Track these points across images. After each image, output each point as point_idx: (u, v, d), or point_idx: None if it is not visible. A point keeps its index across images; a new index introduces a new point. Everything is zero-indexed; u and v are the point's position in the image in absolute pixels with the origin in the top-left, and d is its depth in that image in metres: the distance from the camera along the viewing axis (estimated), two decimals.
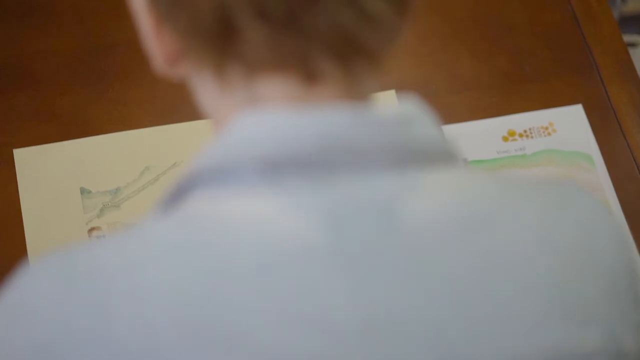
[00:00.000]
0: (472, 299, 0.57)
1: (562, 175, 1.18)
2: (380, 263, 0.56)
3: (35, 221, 1.10)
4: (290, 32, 0.56)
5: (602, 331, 0.60)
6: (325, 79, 0.58)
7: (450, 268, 0.57)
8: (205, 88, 0.62)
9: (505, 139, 1.20)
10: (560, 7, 1.30)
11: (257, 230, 0.56)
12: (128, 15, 0.68)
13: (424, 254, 0.57)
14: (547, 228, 0.60)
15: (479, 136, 1.20)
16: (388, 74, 1.22)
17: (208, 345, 0.54)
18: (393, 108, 0.59)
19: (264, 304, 0.54)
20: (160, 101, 1.16)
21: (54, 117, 1.18)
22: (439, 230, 0.57)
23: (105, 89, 1.18)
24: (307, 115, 0.57)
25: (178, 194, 0.60)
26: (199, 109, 0.65)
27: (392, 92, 1.22)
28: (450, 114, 1.21)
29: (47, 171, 1.14)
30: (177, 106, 1.16)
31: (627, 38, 1.69)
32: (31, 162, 1.14)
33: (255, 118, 0.58)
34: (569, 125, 1.22)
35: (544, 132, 1.21)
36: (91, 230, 1.10)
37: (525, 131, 1.21)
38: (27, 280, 0.58)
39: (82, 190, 1.13)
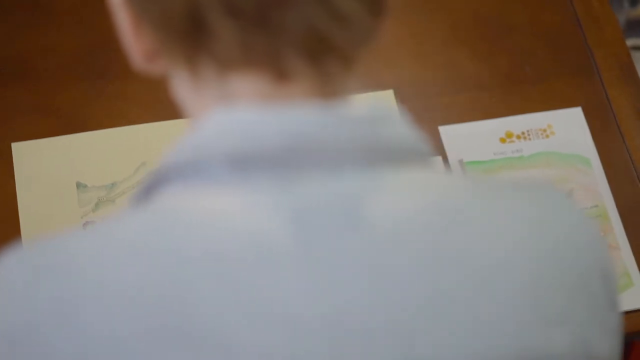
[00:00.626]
0: (436, 299, 0.57)
1: (559, 178, 1.17)
2: (345, 261, 0.56)
3: (31, 214, 1.11)
4: (260, 30, 0.57)
5: (571, 334, 0.60)
6: (296, 77, 0.58)
7: (415, 267, 0.57)
8: (181, 84, 0.63)
9: (502, 140, 1.20)
10: (562, 8, 1.30)
11: (222, 227, 0.56)
12: None
13: (389, 253, 0.57)
14: (518, 230, 0.60)
15: (476, 137, 1.20)
16: (386, 74, 1.23)
17: (172, 339, 0.54)
18: (364, 107, 0.59)
19: (227, 299, 0.55)
20: (157, 98, 1.16)
21: (53, 112, 1.18)
22: (404, 230, 0.57)
23: (103, 85, 1.19)
24: (276, 112, 0.58)
25: (150, 189, 0.61)
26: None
27: (390, 92, 1.22)
28: (449, 115, 1.21)
29: (44, 165, 1.15)
30: (173, 103, 1.16)
31: (634, 42, 1.68)
32: (29, 155, 1.15)
33: (224, 115, 0.59)
34: (567, 128, 1.21)
35: (542, 134, 1.21)
36: (86, 224, 1.11)
37: (523, 133, 1.21)
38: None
39: (78, 185, 1.13)
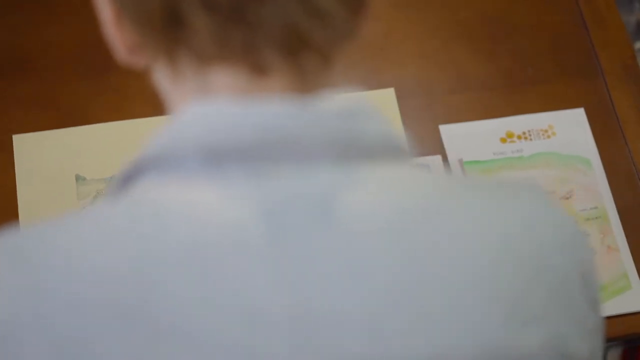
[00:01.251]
0: (407, 295, 0.56)
1: (558, 178, 1.17)
2: (315, 256, 0.56)
3: (30, 206, 1.12)
4: (237, 24, 0.57)
5: (543, 333, 0.59)
6: (273, 72, 0.59)
7: (385, 263, 0.57)
8: (162, 77, 0.63)
9: (503, 140, 1.20)
10: (568, 9, 1.29)
11: (193, 219, 0.57)
12: None
13: (360, 248, 0.57)
14: (492, 228, 0.60)
15: (476, 137, 1.19)
16: (388, 72, 1.22)
17: (137, 332, 0.54)
18: (339, 102, 0.59)
19: (195, 291, 0.55)
20: (157, 92, 1.16)
21: (54, 105, 1.19)
22: (376, 225, 0.57)
23: (104, 79, 1.20)
24: (251, 106, 0.58)
25: (127, 180, 0.61)
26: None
27: (391, 90, 1.22)
28: (449, 114, 1.21)
29: (45, 157, 1.15)
30: None
31: None
32: (29, 148, 1.16)
33: (200, 108, 0.59)
34: (569, 129, 1.21)
35: (543, 134, 1.20)
36: None
37: (524, 133, 1.20)
38: None
39: (78, 177, 1.14)
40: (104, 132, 1.17)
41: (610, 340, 1.11)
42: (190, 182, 0.58)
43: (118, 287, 0.55)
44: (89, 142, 1.16)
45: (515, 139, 1.20)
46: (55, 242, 0.58)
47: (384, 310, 0.56)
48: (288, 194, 0.57)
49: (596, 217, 1.15)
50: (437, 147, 1.18)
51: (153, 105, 1.18)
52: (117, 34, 0.63)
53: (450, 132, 1.19)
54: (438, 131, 1.19)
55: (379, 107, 0.62)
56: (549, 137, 1.20)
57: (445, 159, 1.17)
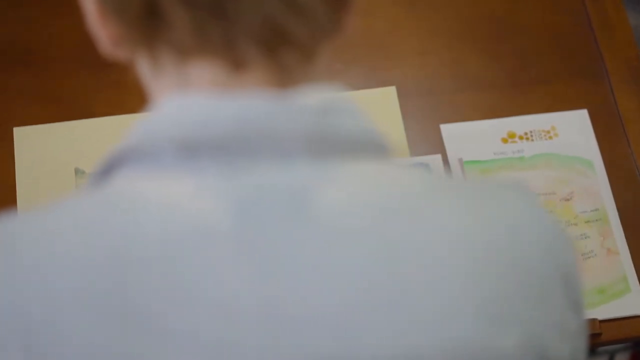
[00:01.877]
0: (379, 293, 0.56)
1: (559, 179, 1.16)
2: (287, 251, 0.56)
3: (29, 198, 1.12)
4: (216, 19, 0.57)
5: (520, 333, 0.58)
6: (251, 66, 0.58)
7: (358, 261, 0.56)
8: (144, 71, 0.63)
9: (504, 140, 1.19)
10: (574, 9, 1.28)
11: (167, 212, 0.57)
12: None
13: (333, 245, 0.56)
14: (470, 228, 0.59)
15: (477, 136, 1.19)
16: (390, 70, 1.22)
17: (108, 321, 0.55)
18: (317, 98, 0.59)
19: (165, 283, 0.55)
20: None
21: (55, 98, 1.20)
22: (350, 223, 0.57)
23: (106, 73, 1.20)
24: (227, 100, 0.58)
25: (105, 172, 0.61)
26: None
27: (393, 88, 1.21)
28: (451, 113, 1.20)
29: (45, 150, 1.16)
30: None
31: None
32: (30, 140, 1.16)
33: (176, 101, 0.59)
34: (571, 130, 1.20)
35: (545, 135, 1.19)
36: None
37: (525, 133, 1.19)
38: None
39: (77, 171, 1.14)
40: (105, 126, 1.17)
41: (609, 344, 1.10)
42: (165, 174, 0.58)
43: (91, 278, 0.55)
44: (89, 136, 1.16)
45: (516, 139, 1.19)
46: (30, 232, 0.58)
47: (355, 307, 0.56)
48: (261, 188, 0.57)
49: (596, 220, 1.14)
50: (438, 147, 1.18)
51: None
52: (100, 26, 0.63)
53: (452, 132, 1.19)
54: (439, 130, 1.19)
55: (357, 103, 0.61)
56: (551, 138, 1.19)
57: (445, 158, 1.17)
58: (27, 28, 1.24)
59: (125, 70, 1.18)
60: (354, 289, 0.56)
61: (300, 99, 0.59)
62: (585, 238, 1.13)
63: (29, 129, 1.17)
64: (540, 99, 1.22)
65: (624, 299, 1.10)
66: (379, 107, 1.20)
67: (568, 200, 1.15)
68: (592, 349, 1.45)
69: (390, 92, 1.21)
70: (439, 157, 1.17)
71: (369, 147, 0.60)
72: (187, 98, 0.59)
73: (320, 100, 0.59)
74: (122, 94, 1.18)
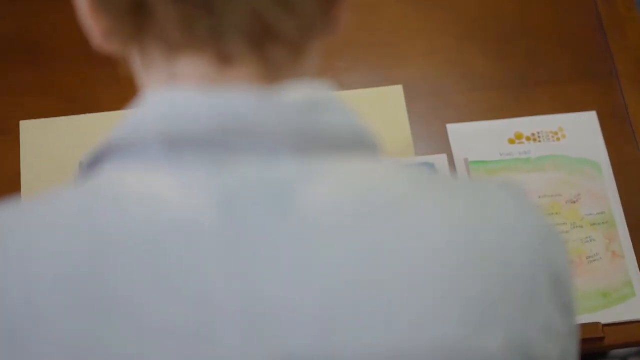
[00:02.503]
0: (361, 290, 0.56)
1: (566, 182, 1.15)
2: (269, 247, 0.56)
3: (33, 191, 1.13)
4: (203, 13, 0.57)
5: (504, 334, 0.58)
6: (239, 62, 0.58)
7: (341, 257, 0.56)
8: (135, 65, 0.63)
9: (511, 141, 1.18)
10: (586, 11, 1.27)
11: (150, 205, 0.57)
12: None
13: (316, 241, 0.56)
14: (456, 226, 0.59)
15: (484, 137, 1.18)
16: (397, 69, 1.21)
17: (87, 309, 0.55)
18: (304, 94, 0.59)
19: (146, 275, 0.55)
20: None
21: (62, 93, 1.20)
22: (334, 219, 0.57)
23: (113, 68, 1.20)
24: (213, 95, 0.58)
25: (92, 165, 0.61)
26: None
27: (400, 87, 1.21)
28: (458, 113, 1.20)
29: (50, 144, 1.16)
30: None
31: None
32: (35, 134, 1.17)
33: (164, 95, 0.59)
34: (579, 132, 1.19)
35: (553, 137, 1.18)
36: None
37: (533, 135, 1.18)
38: None
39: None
40: (110, 120, 1.17)
41: (612, 348, 1.09)
42: (150, 168, 0.58)
43: (73, 267, 0.56)
44: (95, 130, 1.17)
45: (524, 140, 1.18)
46: (16, 223, 0.58)
47: (336, 304, 0.55)
48: (245, 183, 0.57)
49: (603, 223, 1.13)
50: (444, 146, 1.17)
51: None
52: (92, 21, 0.63)
53: (458, 132, 1.18)
54: (445, 130, 1.18)
55: (341, 99, 0.61)
56: (558, 139, 1.18)
57: (451, 158, 1.16)
58: (34, 22, 1.24)
59: (131, 65, 1.19)
60: (335, 286, 0.56)
61: (286, 95, 0.58)
62: (591, 241, 1.12)
63: (34, 122, 1.18)
64: (549, 100, 1.21)
65: (628, 303, 1.09)
66: (385, 105, 1.19)
67: (574, 202, 1.14)
68: (598, 353, 1.44)
69: (397, 91, 1.20)
70: (444, 157, 1.16)
71: (356, 144, 0.59)
72: (173, 92, 0.59)
73: (307, 97, 0.59)
74: (128, 89, 1.18)
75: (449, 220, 0.59)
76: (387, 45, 1.23)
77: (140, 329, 0.54)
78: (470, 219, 0.60)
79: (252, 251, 0.56)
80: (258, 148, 0.57)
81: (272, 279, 0.55)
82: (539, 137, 1.18)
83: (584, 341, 1.05)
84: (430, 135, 1.18)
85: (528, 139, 1.18)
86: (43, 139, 1.16)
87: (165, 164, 0.57)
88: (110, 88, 1.20)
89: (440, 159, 1.16)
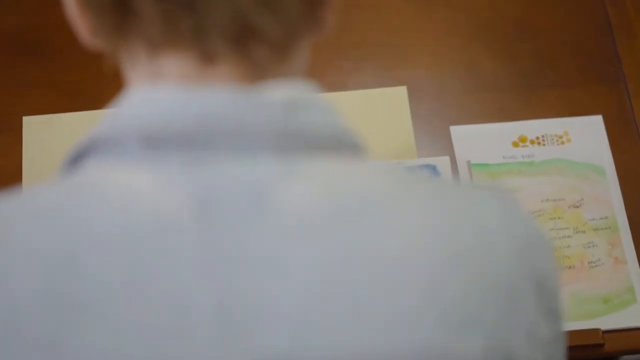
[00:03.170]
0: (337, 292, 0.55)
1: (569, 186, 1.14)
2: (245, 247, 0.55)
3: None
4: (185, 11, 0.57)
5: (484, 339, 0.57)
6: (221, 61, 0.58)
7: (317, 258, 0.55)
8: (121, 62, 0.63)
9: (515, 144, 1.17)
10: (594, 12, 1.26)
11: (127, 203, 0.57)
12: None
13: (293, 241, 0.56)
14: (438, 229, 0.58)
15: (487, 139, 1.17)
16: (401, 70, 1.21)
17: (64, 307, 0.55)
18: (285, 93, 0.58)
19: (122, 274, 0.55)
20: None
21: (66, 88, 1.20)
22: (312, 219, 0.56)
23: (118, 65, 1.20)
24: (193, 93, 0.58)
25: (75, 160, 0.61)
26: None
27: (404, 88, 1.20)
28: (462, 115, 1.19)
29: (52, 140, 1.16)
30: None
31: None
32: (38, 130, 1.17)
33: (145, 93, 0.59)
34: (585, 136, 1.17)
35: (557, 140, 1.17)
36: None
37: (537, 138, 1.17)
38: None
39: None
40: None
41: (612, 355, 1.08)
42: (129, 166, 0.58)
43: (46, 264, 0.56)
44: None
45: (528, 143, 1.17)
46: None
47: (312, 304, 0.55)
48: (223, 182, 0.56)
49: (606, 228, 1.12)
50: (447, 148, 1.16)
51: None
52: (79, 18, 0.63)
53: (461, 134, 1.17)
54: (449, 132, 1.17)
55: (325, 99, 0.60)
56: (563, 143, 1.17)
57: (453, 160, 1.15)
58: (39, 18, 1.24)
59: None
60: (312, 287, 0.55)
61: (267, 95, 0.58)
62: (593, 246, 1.11)
63: (37, 118, 1.18)
64: (555, 103, 1.20)
65: (629, 310, 1.07)
66: (388, 106, 1.19)
67: (577, 207, 1.13)
68: None
69: (401, 91, 1.19)
70: (447, 159, 1.15)
71: (337, 145, 0.59)
72: (154, 90, 0.59)
73: (287, 96, 0.58)
74: None
75: (430, 223, 0.58)
76: (393, 46, 1.23)
77: (115, 327, 0.54)
78: (453, 222, 0.59)
79: (228, 250, 0.55)
80: (236, 147, 0.57)
81: (247, 278, 0.55)
82: (544, 140, 1.17)
83: (583, 347, 1.04)
84: (434, 137, 1.17)
85: (532, 142, 1.17)
86: (45, 135, 1.17)
87: (144, 162, 0.57)
88: (114, 85, 1.20)
89: (443, 161, 1.15)
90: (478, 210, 0.60)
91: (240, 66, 0.58)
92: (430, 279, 0.57)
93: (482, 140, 1.17)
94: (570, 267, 1.09)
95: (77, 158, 0.61)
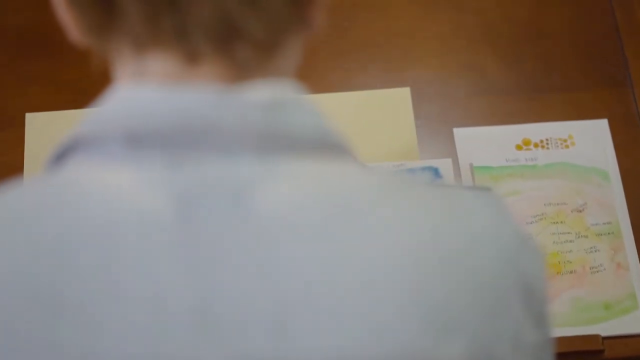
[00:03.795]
0: (317, 294, 0.55)
1: (572, 190, 1.13)
2: (225, 247, 0.55)
3: None
4: (168, 11, 0.57)
5: (466, 343, 0.57)
6: (204, 60, 0.58)
7: (298, 259, 0.55)
8: (110, 60, 0.63)
9: (519, 147, 1.16)
10: (602, 16, 1.24)
11: (107, 202, 0.57)
12: None
13: (273, 242, 0.55)
14: (422, 233, 0.57)
15: (491, 142, 1.16)
16: (405, 71, 1.20)
17: (37, 305, 0.55)
18: (267, 93, 0.58)
19: (101, 273, 0.55)
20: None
21: (69, 85, 1.20)
22: (292, 220, 0.56)
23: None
24: (176, 93, 0.57)
25: (58, 158, 0.61)
26: None
27: (407, 89, 1.19)
28: (466, 117, 1.18)
29: (55, 137, 1.15)
30: None
31: None
32: (41, 127, 1.17)
33: (128, 92, 0.59)
34: (589, 140, 1.16)
35: (561, 144, 1.16)
36: None
37: (541, 141, 1.16)
38: None
39: None
40: None
41: None
42: (111, 164, 0.57)
43: (28, 264, 0.55)
44: None
45: (531, 146, 1.16)
46: None
47: (291, 305, 0.54)
48: (204, 182, 0.56)
49: (608, 233, 1.10)
50: (449, 151, 1.16)
51: None
52: (68, 16, 0.63)
53: (465, 136, 1.16)
54: (452, 134, 1.16)
55: (309, 99, 0.60)
56: (567, 147, 1.16)
57: (456, 163, 1.14)
58: (45, 15, 1.24)
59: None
60: (290, 288, 0.55)
61: (249, 95, 0.58)
62: (595, 251, 1.09)
63: (41, 115, 1.18)
64: (560, 106, 1.19)
65: (631, 316, 1.06)
66: (391, 107, 1.18)
67: (580, 211, 1.12)
68: None
69: (404, 93, 1.19)
70: (449, 161, 1.14)
71: (321, 146, 0.58)
72: (137, 89, 0.59)
73: (270, 97, 0.58)
74: None
75: (415, 227, 0.57)
76: (398, 47, 1.22)
77: (93, 325, 0.54)
78: (439, 226, 0.58)
79: (207, 250, 0.55)
80: (217, 147, 0.56)
81: (225, 279, 0.55)
82: (548, 144, 1.16)
83: (583, 353, 1.03)
84: (436, 139, 1.17)
85: (536, 145, 1.16)
86: (48, 132, 1.17)
87: (125, 161, 0.57)
88: None
89: (445, 163, 1.14)
90: (467, 215, 0.59)
91: (224, 66, 0.58)
92: (414, 283, 0.56)
93: (485, 143, 1.16)
94: (571, 272, 1.08)
95: (61, 156, 0.61)
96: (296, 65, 0.64)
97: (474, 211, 0.60)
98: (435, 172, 1.14)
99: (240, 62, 0.58)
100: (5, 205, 0.58)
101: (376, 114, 1.17)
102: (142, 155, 0.56)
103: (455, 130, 1.17)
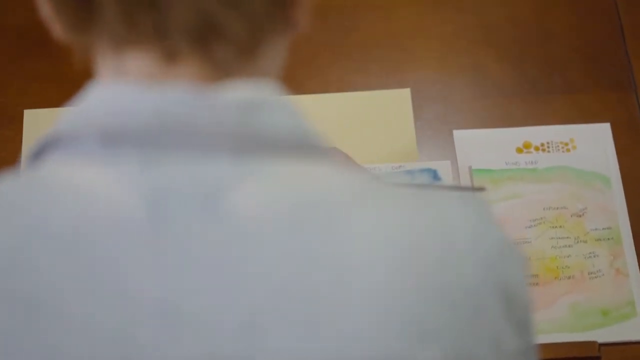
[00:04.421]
0: (290, 298, 0.54)
1: (572, 195, 1.12)
2: (196, 248, 0.54)
3: None
4: (146, 9, 0.56)
5: (444, 349, 0.56)
6: (183, 59, 0.57)
7: (270, 262, 0.54)
8: (92, 58, 0.63)
9: (519, 150, 1.15)
10: (607, 18, 1.23)
11: (80, 200, 0.56)
12: None
13: (245, 244, 0.54)
14: (399, 237, 0.56)
15: (491, 145, 1.15)
16: (406, 72, 1.19)
17: (14, 307, 0.54)
18: (245, 93, 0.57)
19: (70, 271, 0.54)
20: None
21: (69, 82, 1.19)
22: (266, 222, 0.55)
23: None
24: (153, 92, 0.57)
25: (34, 157, 0.60)
26: None
27: (407, 90, 1.18)
28: (466, 119, 1.17)
29: None
30: None
31: None
32: (39, 123, 1.17)
33: (105, 90, 0.59)
34: (591, 144, 1.15)
35: (562, 147, 1.15)
36: None
37: (542, 144, 1.15)
38: None
39: None
40: None
41: None
42: (86, 162, 0.57)
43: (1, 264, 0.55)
44: None
45: (532, 150, 1.15)
46: None
47: (262, 309, 0.54)
48: (176, 182, 0.55)
49: (608, 238, 1.09)
50: (449, 153, 1.14)
51: None
52: (51, 14, 0.63)
53: (464, 138, 1.15)
54: (452, 136, 1.15)
55: (288, 100, 0.59)
56: (568, 150, 1.15)
57: (455, 165, 1.13)
58: (39, 10, 1.24)
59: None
60: (262, 291, 0.54)
61: (226, 95, 0.57)
62: (594, 257, 1.08)
63: (39, 111, 1.18)
64: (562, 109, 1.17)
65: (629, 323, 1.05)
66: (391, 108, 1.17)
67: (580, 216, 1.10)
68: None
69: (404, 94, 1.18)
70: (448, 163, 1.13)
71: (297, 147, 0.58)
72: (115, 87, 0.58)
73: (247, 97, 0.57)
74: None
75: (391, 231, 0.57)
76: (399, 47, 1.21)
77: (63, 325, 0.54)
78: (416, 230, 0.57)
79: (178, 251, 0.54)
80: (192, 147, 0.56)
81: (195, 280, 0.54)
82: (548, 147, 1.15)
83: None
84: (436, 141, 1.16)
85: (537, 148, 1.15)
86: (46, 129, 1.16)
87: (100, 159, 0.57)
88: None
89: (444, 166, 1.13)
90: (447, 219, 0.58)
91: (203, 66, 0.58)
92: (390, 289, 0.55)
93: (485, 146, 1.15)
94: (569, 278, 1.07)
95: (39, 153, 0.61)
96: (280, 66, 0.63)
97: (455, 216, 0.59)
98: (434, 174, 1.13)
99: (219, 62, 0.58)
100: None
101: (376, 115, 1.16)
102: (118, 154, 0.56)
103: (455, 132, 1.16)
